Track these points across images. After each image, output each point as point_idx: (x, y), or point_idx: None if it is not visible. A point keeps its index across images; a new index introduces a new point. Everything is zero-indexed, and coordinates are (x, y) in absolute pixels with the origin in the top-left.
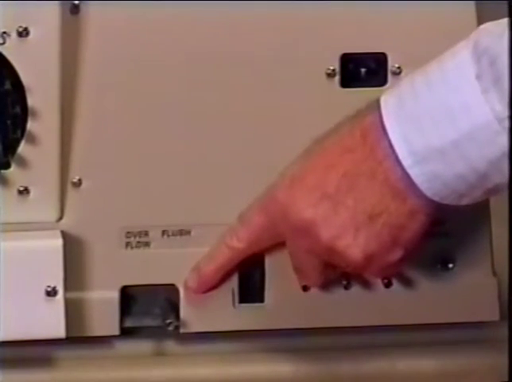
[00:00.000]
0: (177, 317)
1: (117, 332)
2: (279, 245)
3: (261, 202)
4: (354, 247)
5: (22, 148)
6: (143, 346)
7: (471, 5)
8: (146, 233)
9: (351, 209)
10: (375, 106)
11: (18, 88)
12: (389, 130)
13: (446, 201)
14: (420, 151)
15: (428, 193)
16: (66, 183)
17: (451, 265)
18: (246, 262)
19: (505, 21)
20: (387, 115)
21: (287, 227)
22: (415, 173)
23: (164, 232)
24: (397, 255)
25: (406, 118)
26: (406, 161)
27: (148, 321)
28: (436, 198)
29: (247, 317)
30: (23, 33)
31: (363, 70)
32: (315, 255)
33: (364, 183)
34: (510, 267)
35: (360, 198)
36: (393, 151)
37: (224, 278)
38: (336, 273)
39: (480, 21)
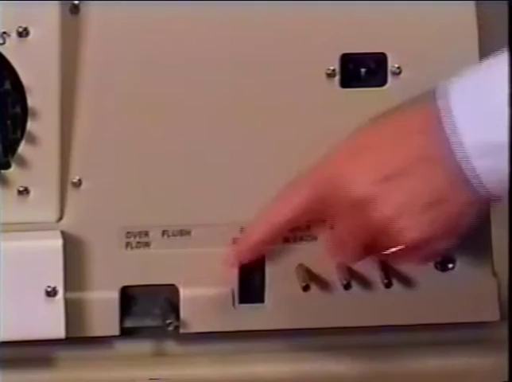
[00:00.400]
0: (177, 317)
1: (117, 332)
2: (279, 245)
3: (310, 177)
4: (411, 229)
5: (22, 148)
6: (143, 346)
7: (471, 5)
8: (146, 233)
9: (412, 192)
10: (442, 93)
11: (18, 88)
12: (458, 118)
13: (502, 195)
14: (487, 144)
15: (489, 186)
16: (66, 183)
17: (451, 265)
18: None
19: None
20: (456, 104)
21: (340, 201)
22: (479, 165)
23: (164, 232)
24: (448, 242)
25: (476, 108)
26: (472, 152)
27: (148, 322)
28: (494, 191)
29: (247, 317)
30: (23, 33)
31: (363, 70)
32: (362, 232)
33: (427, 169)
34: (510, 267)
35: (422, 182)
36: (460, 141)
37: (265, 251)
38: (374, 254)
39: (480, 21)
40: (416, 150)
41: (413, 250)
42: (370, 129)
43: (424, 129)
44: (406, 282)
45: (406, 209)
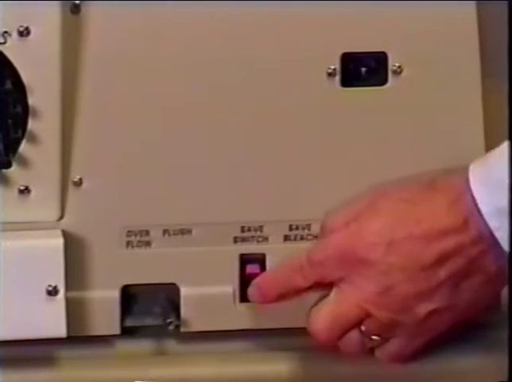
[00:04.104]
0: (178, 316)
1: (118, 331)
2: (279, 244)
3: (342, 253)
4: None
5: (23, 147)
6: (144, 345)
7: (471, 5)
8: (147, 232)
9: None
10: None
11: (19, 88)
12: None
13: None
14: None
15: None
16: (67, 182)
17: None
18: (246, 261)
19: None
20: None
21: (363, 281)
22: None
23: (165, 231)
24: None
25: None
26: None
27: (149, 321)
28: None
29: (248, 316)
30: (24, 32)
31: (364, 69)
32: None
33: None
34: (510, 267)
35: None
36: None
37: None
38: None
39: (480, 21)
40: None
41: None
42: (404, 207)
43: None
44: None
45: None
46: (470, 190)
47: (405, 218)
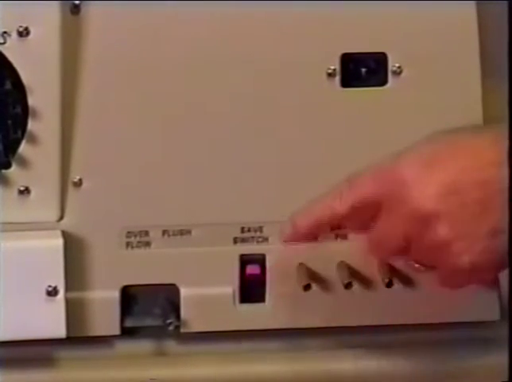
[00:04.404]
0: (178, 317)
1: (117, 332)
2: (279, 244)
3: (380, 172)
4: (469, 253)
5: (23, 148)
6: (144, 346)
7: (471, 5)
8: (147, 233)
9: (481, 217)
10: None
11: (19, 88)
12: None
13: None
14: None
15: None
16: (67, 183)
17: None
18: (246, 261)
19: None
20: None
21: (400, 209)
22: None
23: (164, 232)
24: (494, 274)
25: None
26: None
27: (148, 321)
28: None
29: (248, 317)
30: (23, 32)
31: (364, 70)
32: (409, 241)
33: (497, 198)
34: (510, 267)
35: (490, 210)
36: None
37: (318, 234)
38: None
39: (480, 21)
40: (491, 183)
41: (463, 273)
42: (443, 142)
43: (499, 162)
44: (407, 281)
45: (468, 233)
46: None
47: (448, 148)
